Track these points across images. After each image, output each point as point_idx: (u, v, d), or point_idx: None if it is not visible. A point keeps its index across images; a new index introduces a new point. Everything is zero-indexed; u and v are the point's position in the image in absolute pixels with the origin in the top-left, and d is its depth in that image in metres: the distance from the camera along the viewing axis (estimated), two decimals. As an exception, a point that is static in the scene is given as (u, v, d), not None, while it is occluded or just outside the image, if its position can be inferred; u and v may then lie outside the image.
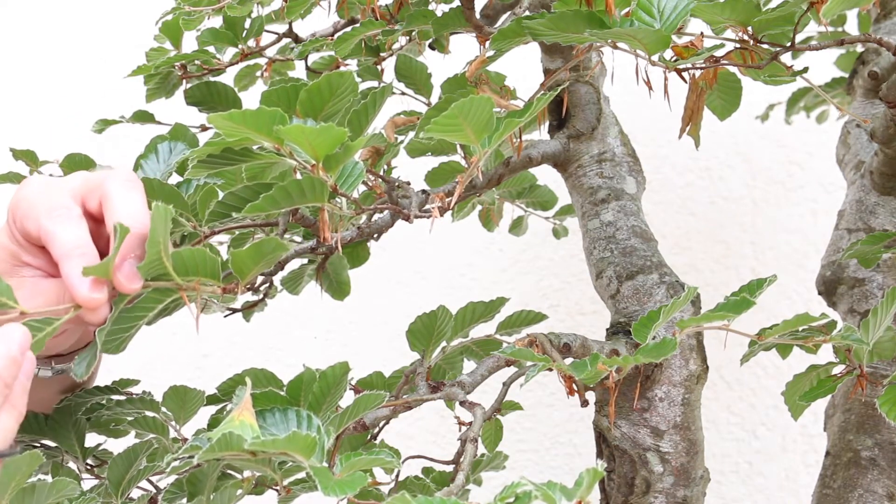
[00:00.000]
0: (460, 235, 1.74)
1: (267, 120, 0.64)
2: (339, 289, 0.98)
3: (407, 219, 0.80)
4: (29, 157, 0.91)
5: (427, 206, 0.82)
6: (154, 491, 0.81)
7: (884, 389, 0.84)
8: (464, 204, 1.20)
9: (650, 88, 0.85)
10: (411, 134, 1.04)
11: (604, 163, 1.05)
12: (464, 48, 1.14)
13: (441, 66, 1.07)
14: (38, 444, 0.84)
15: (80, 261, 0.62)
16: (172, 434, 0.86)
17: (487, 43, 0.83)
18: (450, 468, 0.93)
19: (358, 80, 1.11)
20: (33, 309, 0.63)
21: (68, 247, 0.63)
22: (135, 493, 0.77)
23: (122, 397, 0.86)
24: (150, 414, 0.86)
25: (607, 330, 0.99)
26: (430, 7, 0.98)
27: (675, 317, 0.92)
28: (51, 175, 0.76)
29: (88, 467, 0.85)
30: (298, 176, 0.69)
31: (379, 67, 1.10)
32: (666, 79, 0.87)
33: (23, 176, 0.93)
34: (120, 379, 0.87)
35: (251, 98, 0.93)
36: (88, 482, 0.86)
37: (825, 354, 0.91)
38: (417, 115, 1.02)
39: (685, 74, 0.82)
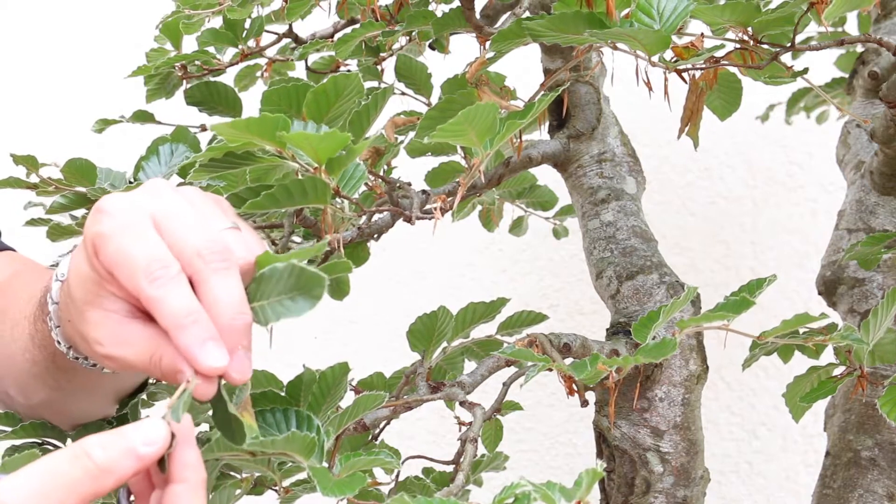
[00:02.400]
0: (460, 235, 1.74)
1: (270, 126, 0.63)
2: (338, 289, 0.98)
3: (409, 220, 0.80)
4: (29, 163, 0.90)
5: (428, 207, 0.82)
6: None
7: (884, 390, 0.84)
8: (464, 204, 1.20)
9: (650, 89, 0.85)
10: (411, 134, 1.04)
11: (604, 163, 1.05)
12: (464, 48, 1.14)
13: (441, 67, 1.07)
14: (41, 443, 0.84)
15: (195, 329, 0.58)
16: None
17: (487, 43, 0.83)
18: (450, 468, 0.93)
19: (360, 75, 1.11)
20: (119, 354, 0.60)
21: (180, 315, 0.58)
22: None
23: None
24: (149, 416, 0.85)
25: (607, 330, 0.99)
26: (430, 7, 0.98)
27: (675, 317, 0.92)
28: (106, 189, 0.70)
29: None
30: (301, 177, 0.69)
31: (379, 67, 1.10)
32: (666, 79, 0.87)
33: (24, 181, 0.92)
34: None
35: (251, 98, 0.93)
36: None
37: (826, 356, 0.91)
38: (417, 116, 1.02)
39: (685, 75, 0.82)
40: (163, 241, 0.60)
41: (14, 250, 0.96)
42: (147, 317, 0.62)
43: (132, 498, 0.60)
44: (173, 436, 0.56)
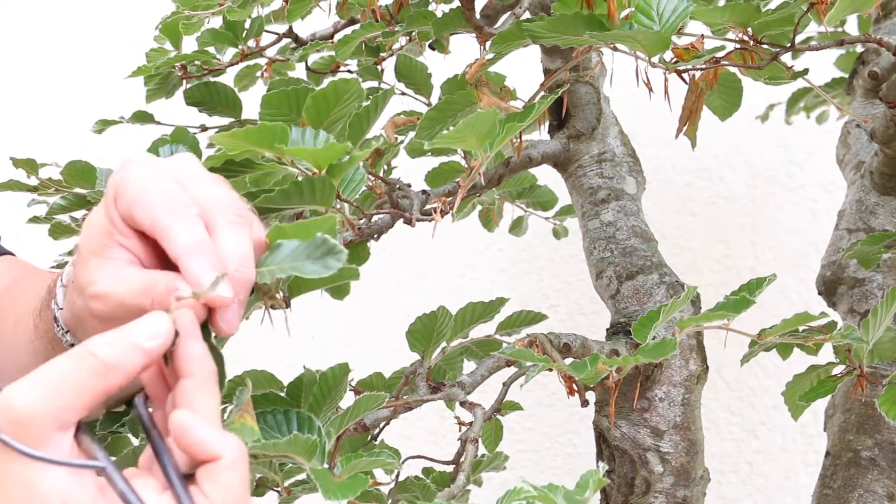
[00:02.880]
0: (460, 235, 1.74)
1: (269, 136, 0.63)
2: (338, 289, 0.98)
3: (409, 222, 0.80)
4: (29, 166, 0.90)
5: (428, 207, 0.82)
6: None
7: (884, 389, 0.84)
8: (464, 204, 1.20)
9: (650, 89, 0.85)
10: (411, 134, 1.04)
11: (604, 163, 1.06)
12: (464, 48, 1.14)
13: (441, 67, 1.07)
14: None
15: (202, 259, 0.59)
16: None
17: (487, 44, 0.83)
18: (450, 468, 0.93)
19: (358, 80, 1.11)
20: (109, 290, 0.60)
21: (190, 244, 0.59)
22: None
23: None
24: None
25: (607, 330, 0.99)
26: (430, 8, 0.98)
27: (675, 317, 0.92)
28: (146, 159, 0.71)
29: None
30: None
31: (379, 67, 1.10)
32: (666, 80, 0.87)
33: (24, 184, 0.92)
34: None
35: (251, 98, 0.93)
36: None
37: (825, 355, 0.91)
38: (417, 116, 1.02)
39: (685, 75, 0.82)
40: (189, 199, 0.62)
41: (13, 254, 0.96)
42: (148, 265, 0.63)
43: (150, 409, 0.60)
44: (177, 332, 0.56)
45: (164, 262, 0.63)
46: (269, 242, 0.61)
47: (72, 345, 0.72)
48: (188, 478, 0.55)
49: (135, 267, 0.63)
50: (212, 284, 0.58)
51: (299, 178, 0.66)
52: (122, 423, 0.86)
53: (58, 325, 0.73)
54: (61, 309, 0.72)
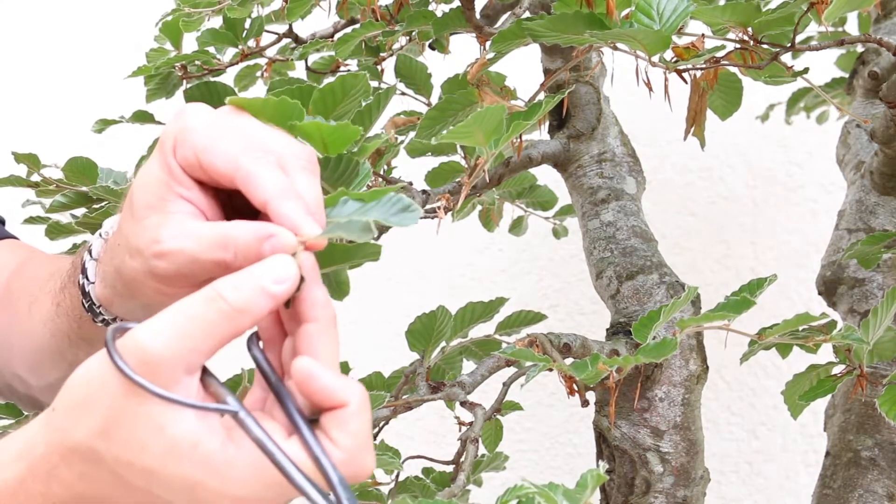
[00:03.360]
0: (460, 235, 1.74)
1: (286, 111, 0.63)
2: (338, 288, 0.98)
3: (412, 220, 0.80)
4: (31, 161, 0.90)
5: (430, 206, 0.82)
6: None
7: (884, 389, 0.84)
8: (464, 204, 1.20)
9: (650, 89, 0.85)
10: (411, 134, 1.04)
11: (604, 163, 1.06)
12: (464, 48, 1.14)
13: (441, 67, 1.07)
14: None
15: (295, 203, 0.57)
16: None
17: (488, 44, 0.83)
18: (450, 468, 0.93)
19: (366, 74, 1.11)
20: (178, 247, 0.57)
21: (281, 189, 0.57)
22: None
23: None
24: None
25: (607, 330, 0.99)
26: (431, 7, 0.98)
27: (675, 317, 0.92)
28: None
29: None
30: None
31: (379, 67, 1.10)
32: (666, 79, 0.87)
33: (24, 180, 0.92)
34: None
35: (251, 98, 0.93)
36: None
37: (825, 354, 0.91)
38: (417, 115, 1.02)
39: (686, 75, 0.82)
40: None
41: (17, 238, 0.95)
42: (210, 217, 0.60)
43: (261, 343, 0.59)
44: (302, 278, 0.55)
45: (225, 214, 0.61)
46: (332, 202, 0.61)
47: (104, 320, 0.70)
48: (311, 423, 0.55)
49: (199, 220, 0.60)
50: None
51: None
52: None
53: (87, 301, 0.70)
54: (92, 283, 0.69)
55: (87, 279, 0.70)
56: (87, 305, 0.71)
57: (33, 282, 0.80)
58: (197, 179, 0.60)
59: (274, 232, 0.56)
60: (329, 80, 1.11)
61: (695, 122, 0.93)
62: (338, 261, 0.66)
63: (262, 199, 0.57)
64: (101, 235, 0.70)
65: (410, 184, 0.84)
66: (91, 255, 0.70)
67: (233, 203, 0.62)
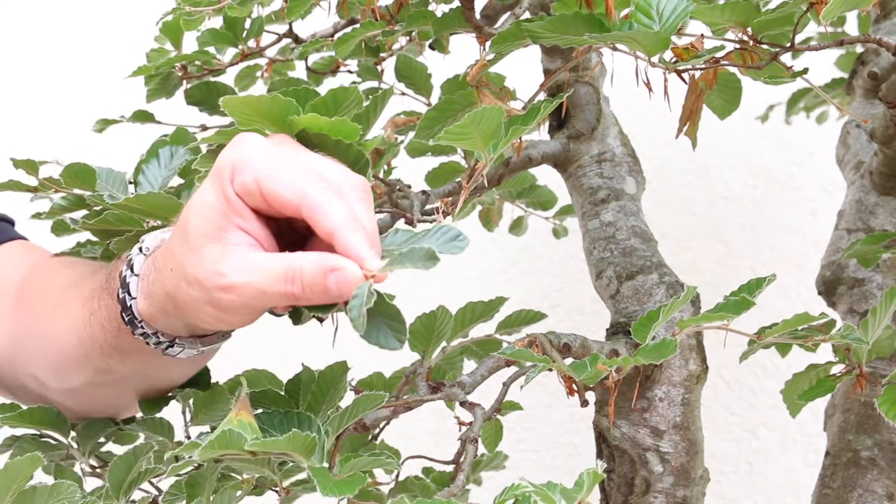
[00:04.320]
0: (460, 235, 1.74)
1: (281, 109, 0.63)
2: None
3: (410, 222, 0.80)
4: (29, 166, 0.90)
5: (429, 207, 0.82)
6: (156, 493, 0.81)
7: (883, 389, 0.84)
8: (464, 204, 1.20)
9: (650, 89, 0.85)
10: (411, 134, 1.04)
11: (604, 163, 1.06)
12: (464, 49, 1.14)
13: (441, 67, 1.07)
14: (39, 434, 0.84)
15: (361, 235, 0.58)
16: (179, 437, 0.86)
17: (488, 44, 0.83)
18: (450, 468, 0.93)
19: (358, 80, 1.11)
20: (244, 281, 0.59)
21: (347, 220, 0.58)
22: (136, 496, 0.77)
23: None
24: (156, 415, 0.85)
25: (607, 330, 0.99)
26: (430, 8, 0.98)
27: (675, 317, 0.92)
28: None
29: (92, 468, 0.85)
30: None
31: (379, 68, 1.10)
32: (666, 80, 0.87)
33: (24, 184, 0.92)
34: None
35: (251, 98, 0.93)
36: (91, 483, 0.86)
37: (825, 354, 0.91)
38: (417, 116, 1.02)
39: (685, 75, 0.82)
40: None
41: (27, 239, 0.96)
42: (266, 251, 0.62)
43: None
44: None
45: (281, 245, 0.62)
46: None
47: (144, 333, 0.71)
48: None
49: (258, 251, 0.61)
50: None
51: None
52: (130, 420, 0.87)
53: (128, 315, 0.70)
54: (134, 298, 0.69)
55: (129, 294, 0.70)
56: (127, 319, 0.71)
57: (53, 285, 0.81)
58: (254, 209, 0.61)
59: (340, 266, 0.58)
60: (329, 80, 1.11)
61: (689, 121, 0.94)
62: None
63: (329, 230, 0.58)
64: (141, 251, 0.70)
65: (409, 186, 0.84)
66: (133, 272, 0.70)
67: (281, 232, 0.63)
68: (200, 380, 0.84)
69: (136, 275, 0.70)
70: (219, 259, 0.60)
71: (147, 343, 0.72)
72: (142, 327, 0.71)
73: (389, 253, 0.60)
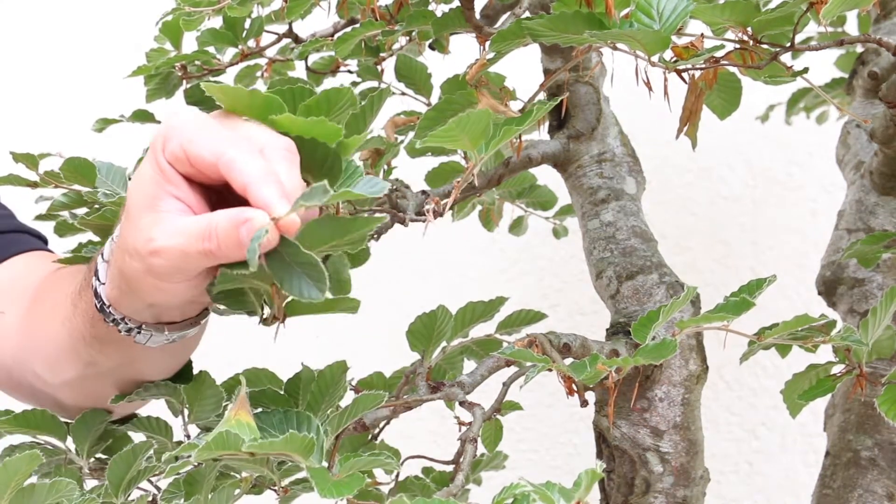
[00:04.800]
0: (460, 235, 1.74)
1: (263, 105, 0.63)
2: (338, 287, 0.98)
3: (402, 222, 0.80)
4: (29, 160, 0.91)
5: (425, 208, 0.82)
6: (155, 492, 0.81)
7: (883, 389, 0.84)
8: (464, 204, 1.20)
9: (650, 89, 0.85)
10: (411, 134, 1.04)
11: (604, 163, 1.05)
12: (464, 48, 1.14)
13: (441, 67, 1.07)
14: (37, 441, 0.84)
15: (273, 187, 0.60)
16: (178, 437, 0.86)
17: (487, 44, 0.83)
18: (450, 468, 0.93)
19: (357, 80, 1.11)
20: (170, 244, 0.61)
21: (259, 173, 0.60)
22: (135, 494, 0.77)
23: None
24: (153, 415, 0.85)
25: (607, 330, 0.99)
26: (430, 7, 0.98)
27: (675, 317, 0.92)
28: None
29: (91, 470, 0.85)
30: None
31: (379, 67, 1.10)
32: (666, 79, 0.87)
33: (24, 179, 0.93)
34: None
35: (251, 98, 0.93)
36: (89, 483, 0.86)
37: (825, 354, 0.91)
38: (417, 116, 1.02)
39: (685, 75, 0.82)
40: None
41: (51, 251, 0.98)
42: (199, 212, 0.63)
43: None
44: None
45: (214, 208, 0.64)
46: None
47: (114, 320, 0.73)
48: None
49: (189, 216, 0.63)
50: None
51: None
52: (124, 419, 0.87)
53: (99, 301, 0.73)
54: (103, 284, 0.72)
55: (99, 280, 0.73)
56: (98, 306, 0.74)
57: (60, 288, 0.83)
58: (186, 176, 0.63)
59: (250, 216, 0.59)
60: (329, 80, 1.11)
61: (689, 121, 0.94)
62: (307, 311, 0.68)
63: (243, 183, 0.60)
64: (113, 239, 0.73)
65: (407, 186, 0.84)
66: (103, 258, 0.73)
67: (225, 201, 0.64)
68: (183, 374, 0.84)
69: (105, 261, 0.73)
70: (151, 226, 0.63)
71: (119, 330, 0.74)
72: (111, 313, 0.73)
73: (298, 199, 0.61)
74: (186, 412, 0.84)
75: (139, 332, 0.74)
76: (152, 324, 0.74)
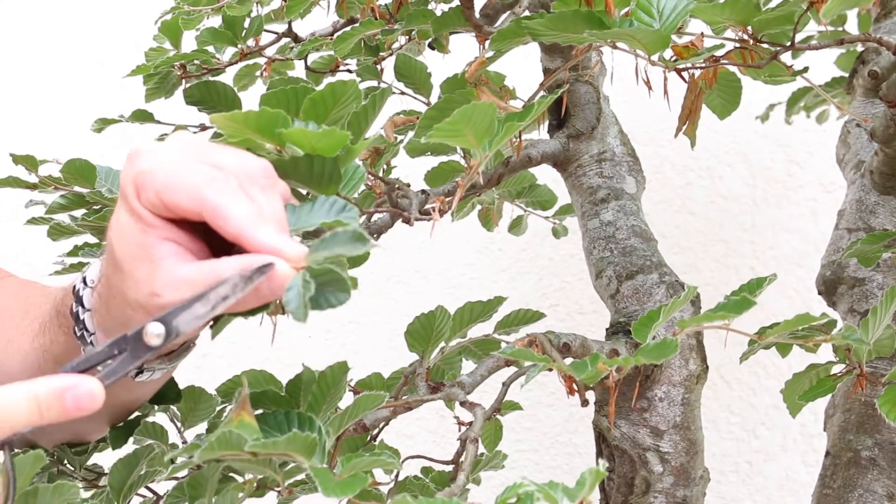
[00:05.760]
0: (460, 235, 1.74)
1: (269, 121, 0.63)
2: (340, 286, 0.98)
3: (407, 221, 0.80)
4: (28, 162, 0.90)
5: (427, 207, 0.82)
6: (154, 497, 0.81)
7: (883, 389, 0.84)
8: (464, 204, 1.20)
9: (650, 88, 0.85)
10: (411, 133, 1.04)
11: (603, 162, 1.05)
12: (463, 48, 1.14)
13: (441, 66, 1.07)
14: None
15: (270, 225, 0.58)
16: (173, 440, 0.85)
17: (487, 43, 0.83)
18: (449, 468, 0.93)
19: (357, 79, 1.11)
20: (179, 298, 0.58)
21: (253, 216, 0.58)
22: (135, 501, 0.76)
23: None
24: (149, 419, 0.85)
25: (607, 330, 0.99)
26: (430, 7, 0.98)
27: (675, 316, 0.92)
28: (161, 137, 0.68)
29: (84, 480, 0.85)
30: None
31: (378, 67, 1.10)
32: (666, 78, 0.87)
33: (23, 181, 0.92)
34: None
35: (251, 98, 0.93)
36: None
37: (825, 354, 0.91)
38: (417, 115, 1.02)
39: (685, 74, 0.82)
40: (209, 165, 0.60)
41: None
42: (195, 254, 0.61)
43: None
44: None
45: (206, 240, 0.62)
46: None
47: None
48: None
49: (185, 260, 0.61)
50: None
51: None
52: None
53: (80, 328, 0.70)
54: (93, 334, 0.69)
55: (87, 331, 0.70)
56: (79, 332, 0.71)
57: (7, 316, 0.79)
58: (169, 217, 0.61)
59: (254, 263, 0.58)
60: (329, 79, 1.11)
61: (688, 120, 0.93)
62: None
63: (234, 234, 0.58)
64: (87, 283, 0.70)
65: (408, 185, 0.84)
66: (84, 307, 0.70)
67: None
68: (168, 393, 0.83)
69: (88, 310, 0.70)
70: (150, 278, 0.60)
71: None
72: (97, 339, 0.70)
73: (320, 242, 0.60)
74: (178, 422, 0.84)
75: (141, 372, 0.72)
76: (153, 359, 0.71)
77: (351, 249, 0.57)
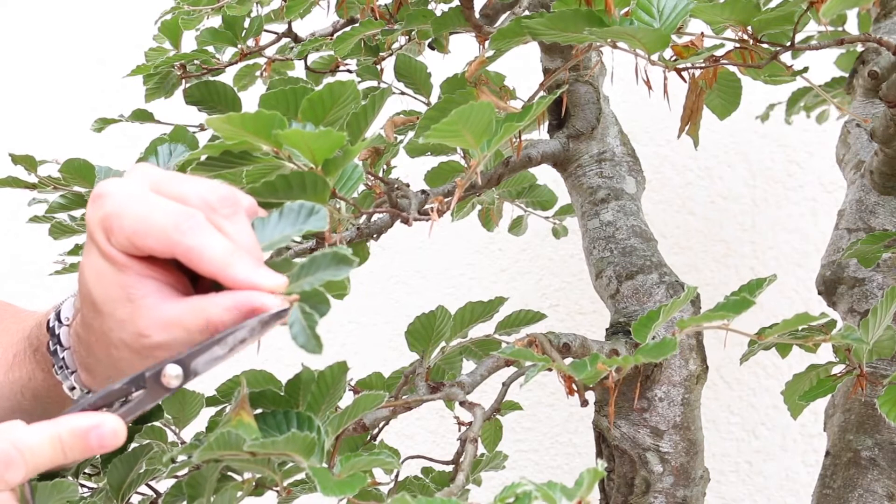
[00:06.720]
0: (460, 235, 1.74)
1: (265, 123, 0.63)
2: (334, 286, 0.98)
3: (406, 222, 0.80)
4: (28, 162, 0.90)
5: (426, 207, 0.82)
6: (154, 495, 0.80)
7: (884, 389, 0.84)
8: (463, 204, 1.19)
9: (650, 88, 0.85)
10: (411, 133, 1.04)
11: (603, 162, 1.05)
12: (463, 48, 1.14)
13: (440, 66, 1.07)
14: None
15: (246, 260, 0.58)
16: (171, 438, 0.85)
17: (487, 43, 0.83)
18: (449, 468, 0.93)
19: (357, 79, 1.11)
20: (169, 338, 0.59)
21: (227, 254, 0.58)
22: (135, 499, 0.76)
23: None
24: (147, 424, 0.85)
25: (607, 330, 0.99)
26: (430, 7, 0.98)
27: (675, 316, 0.92)
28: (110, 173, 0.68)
29: (85, 474, 0.85)
30: None
31: (378, 67, 1.10)
32: (665, 78, 0.87)
33: (22, 181, 0.92)
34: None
35: (250, 97, 0.93)
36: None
37: (825, 354, 0.91)
38: (417, 115, 1.02)
39: (685, 74, 0.82)
40: (173, 200, 0.60)
41: None
42: (177, 290, 0.61)
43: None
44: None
45: (183, 269, 0.62)
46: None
47: (72, 388, 0.70)
48: None
49: (167, 296, 0.61)
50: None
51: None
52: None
53: (67, 383, 0.70)
54: (73, 371, 0.69)
55: (67, 368, 0.69)
56: (67, 387, 0.70)
57: None
58: (141, 255, 0.60)
59: (254, 302, 0.58)
60: (329, 79, 1.11)
61: (690, 120, 0.93)
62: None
63: (210, 273, 0.59)
64: (62, 321, 0.69)
65: (407, 185, 0.84)
66: (62, 345, 0.69)
67: None
68: (152, 415, 0.83)
69: (66, 348, 0.69)
70: (133, 318, 0.60)
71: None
72: (73, 380, 0.70)
73: (306, 274, 0.60)
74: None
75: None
76: None
77: (335, 273, 0.57)
